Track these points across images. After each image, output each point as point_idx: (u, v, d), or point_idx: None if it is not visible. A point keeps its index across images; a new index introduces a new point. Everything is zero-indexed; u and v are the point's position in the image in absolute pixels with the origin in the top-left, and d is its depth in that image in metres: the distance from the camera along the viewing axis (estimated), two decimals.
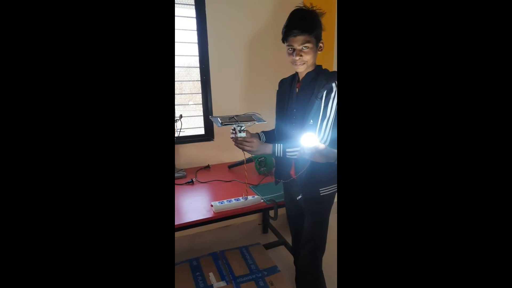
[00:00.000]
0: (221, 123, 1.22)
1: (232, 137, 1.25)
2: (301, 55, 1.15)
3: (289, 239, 1.74)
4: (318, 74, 1.22)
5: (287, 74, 1.37)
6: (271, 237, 2.33)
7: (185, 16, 1.98)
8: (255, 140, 1.21)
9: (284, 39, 1.18)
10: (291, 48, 1.17)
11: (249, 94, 2.18)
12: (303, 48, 1.15)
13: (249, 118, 1.27)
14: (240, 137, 1.22)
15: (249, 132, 1.31)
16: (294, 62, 1.18)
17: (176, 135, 1.87)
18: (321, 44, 1.20)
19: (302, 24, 1.12)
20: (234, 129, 1.24)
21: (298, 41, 1.14)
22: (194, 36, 2.02)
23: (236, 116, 1.26)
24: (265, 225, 2.46)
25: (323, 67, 1.26)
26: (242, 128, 1.23)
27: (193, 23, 2.00)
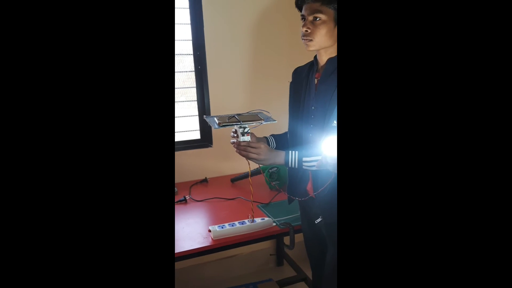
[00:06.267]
0: (219, 124, 1.11)
1: (233, 142, 1.15)
2: (308, 28, 1.05)
3: (310, 274, 1.61)
4: None
5: (303, 62, 1.26)
6: (287, 271, 2.14)
7: None
8: (263, 146, 1.12)
9: (298, 7, 1.11)
10: (303, 18, 1.08)
11: (255, 87, 2.03)
12: (314, 19, 1.05)
13: (254, 117, 1.17)
14: (243, 141, 1.13)
15: (255, 136, 1.21)
16: (302, 39, 1.09)
17: None
18: None
19: None
20: (235, 132, 1.16)
21: (309, 10, 1.05)
22: (186, 16, 1.84)
23: (238, 115, 1.17)
24: (280, 256, 2.23)
25: None
26: (246, 130, 1.13)
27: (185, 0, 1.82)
